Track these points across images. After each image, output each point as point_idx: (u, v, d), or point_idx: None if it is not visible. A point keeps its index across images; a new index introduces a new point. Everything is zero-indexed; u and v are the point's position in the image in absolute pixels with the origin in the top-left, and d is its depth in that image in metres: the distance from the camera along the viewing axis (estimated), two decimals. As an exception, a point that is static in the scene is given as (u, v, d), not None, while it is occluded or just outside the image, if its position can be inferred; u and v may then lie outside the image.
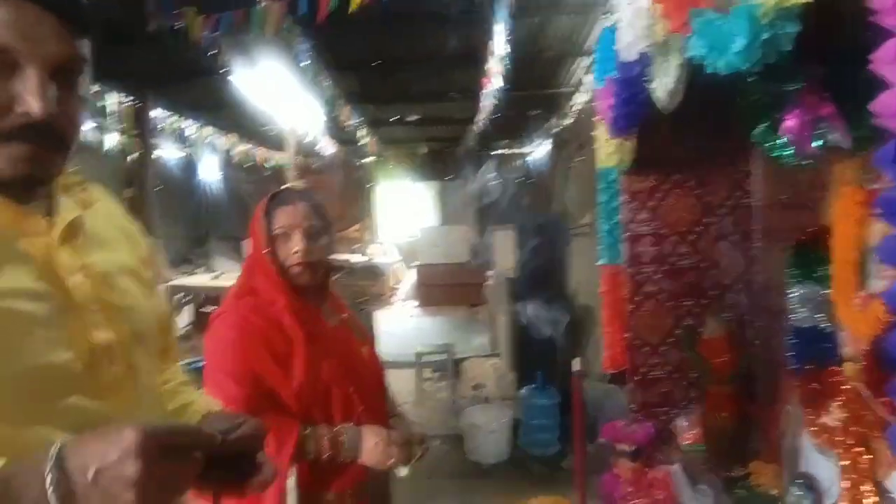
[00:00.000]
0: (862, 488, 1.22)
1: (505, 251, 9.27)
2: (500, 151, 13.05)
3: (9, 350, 0.72)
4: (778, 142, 1.31)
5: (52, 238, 0.80)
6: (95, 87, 6.11)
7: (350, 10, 3.33)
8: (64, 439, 0.67)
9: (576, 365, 1.10)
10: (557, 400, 5.10)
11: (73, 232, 0.83)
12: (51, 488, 0.63)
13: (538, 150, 11.11)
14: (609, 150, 2.02)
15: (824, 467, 1.45)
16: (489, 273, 9.15)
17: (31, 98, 0.74)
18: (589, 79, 6.63)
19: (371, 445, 1.47)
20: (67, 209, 0.84)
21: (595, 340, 5.68)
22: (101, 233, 0.89)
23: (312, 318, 1.58)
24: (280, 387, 1.48)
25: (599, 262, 2.13)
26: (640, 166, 2.01)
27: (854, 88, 1.16)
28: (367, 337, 1.75)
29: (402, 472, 1.55)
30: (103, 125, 8.27)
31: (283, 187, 1.67)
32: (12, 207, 0.77)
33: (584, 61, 6.66)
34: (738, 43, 0.88)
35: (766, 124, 1.33)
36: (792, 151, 1.29)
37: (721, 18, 0.95)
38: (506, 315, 6.74)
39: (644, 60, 1.45)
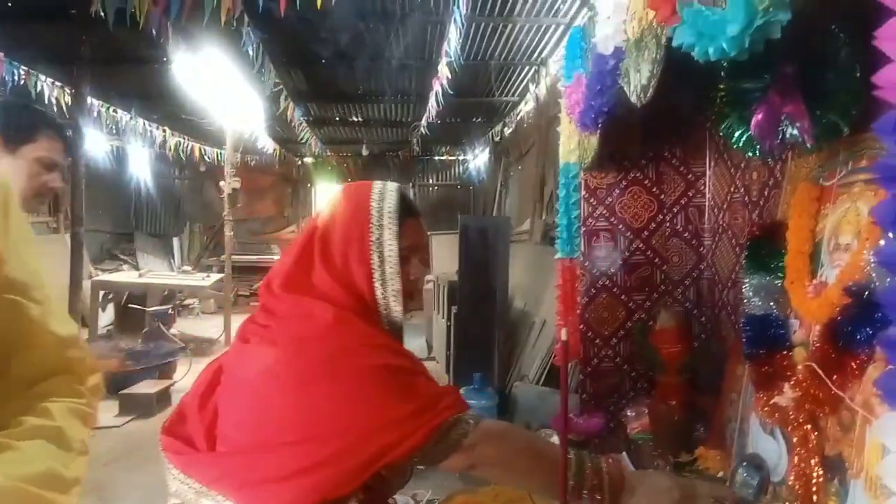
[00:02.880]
0: (811, 462, 1.30)
1: (443, 256, 9.33)
2: (441, 157, 13.16)
3: None
4: (744, 137, 1.39)
5: None
6: (24, 69, 5.82)
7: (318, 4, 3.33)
8: None
9: (563, 335, 1.14)
10: (495, 402, 5.17)
11: None
12: None
13: (479, 158, 11.26)
14: (571, 146, 2.08)
15: (770, 447, 1.53)
16: (428, 278, 9.21)
17: None
18: (532, 88, 6.79)
19: None
20: None
21: (531, 344, 5.79)
22: None
23: None
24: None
25: (557, 256, 2.18)
26: (600, 164, 2.08)
27: (818, 86, 1.25)
28: None
29: None
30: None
31: (393, 186, 1.33)
32: None
33: (530, 71, 6.82)
34: (732, 29, 0.93)
35: (732, 120, 1.40)
36: (756, 146, 1.37)
37: (712, 8, 1.01)
38: (444, 318, 6.79)
39: (618, 55, 1.51)
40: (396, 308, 1.25)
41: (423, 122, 7.86)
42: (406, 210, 1.29)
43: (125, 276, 9.36)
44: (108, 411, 5.68)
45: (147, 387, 5.80)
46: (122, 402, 5.67)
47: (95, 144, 9.16)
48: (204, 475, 1.18)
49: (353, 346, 1.16)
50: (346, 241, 1.24)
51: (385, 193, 1.28)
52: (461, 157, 12.91)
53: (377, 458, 1.08)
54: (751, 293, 1.55)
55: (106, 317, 8.83)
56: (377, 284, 1.23)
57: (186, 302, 10.43)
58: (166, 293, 8.64)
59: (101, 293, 8.62)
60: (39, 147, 1.77)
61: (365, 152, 11.86)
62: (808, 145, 1.31)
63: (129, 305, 8.33)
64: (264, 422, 1.14)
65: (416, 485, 4.31)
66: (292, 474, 1.09)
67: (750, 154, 1.42)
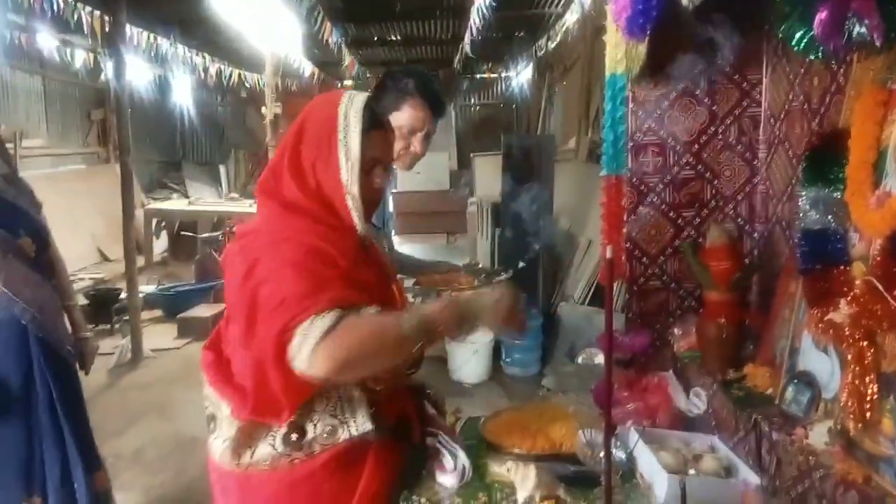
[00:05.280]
0: (866, 379, 1.26)
1: (486, 177, 9.23)
2: (482, 75, 12.82)
3: None
4: (805, 38, 1.29)
5: None
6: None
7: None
8: None
9: (608, 252, 1.11)
10: (539, 322, 5.21)
11: None
12: None
13: (522, 75, 10.93)
14: (617, 55, 1.97)
15: (823, 364, 1.50)
16: (471, 200, 9.14)
17: None
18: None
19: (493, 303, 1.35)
20: None
21: (577, 265, 5.76)
22: None
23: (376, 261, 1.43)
24: None
25: (602, 173, 2.11)
26: (648, 74, 1.98)
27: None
28: (395, 273, 1.57)
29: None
30: (73, 41, 7.94)
31: (362, 95, 1.36)
32: None
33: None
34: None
35: (793, 20, 1.30)
36: (819, 48, 1.27)
37: None
38: (488, 241, 6.78)
39: (669, -48, 1.40)
40: (358, 214, 1.28)
41: (465, 38, 7.60)
42: (375, 121, 1.32)
43: (176, 204, 9.57)
44: (167, 334, 5.94)
45: (203, 311, 6.01)
46: (179, 325, 5.90)
47: (138, 73, 9.22)
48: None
49: (285, 237, 1.25)
50: (317, 147, 1.28)
51: (353, 99, 1.32)
52: (503, 75, 12.55)
53: (283, 332, 1.16)
54: (808, 206, 1.48)
55: (160, 244, 9.10)
56: (346, 189, 1.27)
57: (236, 228, 10.63)
58: (216, 220, 8.81)
59: (154, 221, 8.87)
60: (402, 116, 1.90)
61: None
62: (878, 45, 1.21)
63: (182, 233, 8.55)
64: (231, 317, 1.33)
65: (459, 402, 4.42)
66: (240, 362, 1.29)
67: (811, 57, 1.33)
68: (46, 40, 7.34)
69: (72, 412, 2.44)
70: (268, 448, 1.29)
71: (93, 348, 2.67)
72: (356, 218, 1.28)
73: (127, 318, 5.56)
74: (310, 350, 1.13)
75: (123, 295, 5.77)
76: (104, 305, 5.86)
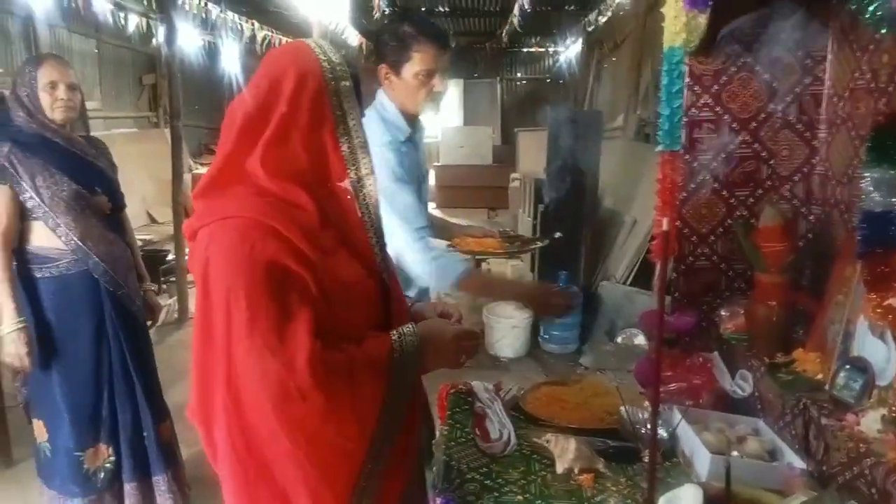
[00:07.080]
0: (924, 367, 1.23)
1: (530, 153, 9.14)
2: (530, 49, 12.62)
3: None
4: (879, 10, 1.24)
5: None
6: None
7: None
8: None
9: (665, 224, 1.10)
10: (580, 300, 5.17)
11: None
12: None
13: (570, 50, 10.73)
14: (676, 28, 1.92)
15: (878, 351, 1.46)
16: (513, 176, 9.08)
17: None
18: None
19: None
20: None
21: (620, 243, 5.69)
22: None
23: None
24: None
25: (658, 149, 2.07)
26: (708, 48, 1.93)
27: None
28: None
29: None
30: (126, 5, 8.05)
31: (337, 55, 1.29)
32: None
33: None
34: None
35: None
36: (893, 22, 1.22)
37: None
38: (530, 217, 6.73)
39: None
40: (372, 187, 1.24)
41: (514, 11, 7.49)
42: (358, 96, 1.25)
43: (222, 170, 9.69)
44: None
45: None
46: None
47: (188, 39, 9.32)
48: None
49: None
50: (310, 126, 1.19)
51: (336, 71, 1.21)
52: (551, 49, 12.33)
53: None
54: (870, 188, 1.43)
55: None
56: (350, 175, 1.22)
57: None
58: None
59: (201, 186, 9.02)
60: (414, 63, 1.96)
61: (451, 45, 11.53)
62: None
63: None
64: None
65: (500, 375, 4.44)
66: None
67: (883, 31, 1.27)
68: (101, 4, 7.45)
69: (141, 364, 2.56)
70: None
71: (156, 301, 2.78)
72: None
73: (174, 278, 5.71)
74: None
75: (171, 256, 5.91)
76: (152, 266, 6.01)
